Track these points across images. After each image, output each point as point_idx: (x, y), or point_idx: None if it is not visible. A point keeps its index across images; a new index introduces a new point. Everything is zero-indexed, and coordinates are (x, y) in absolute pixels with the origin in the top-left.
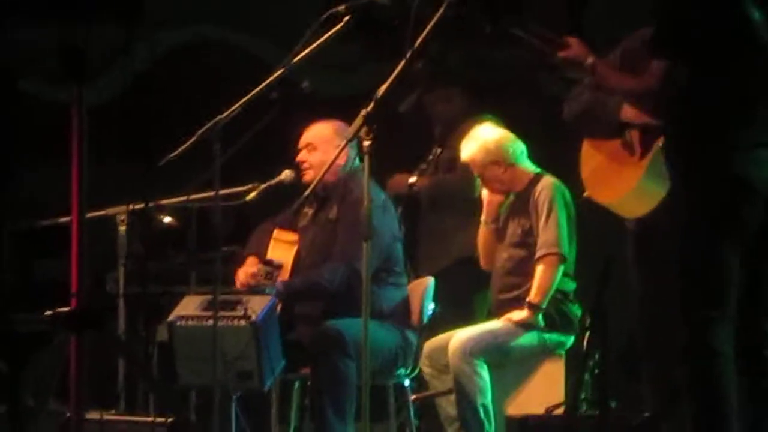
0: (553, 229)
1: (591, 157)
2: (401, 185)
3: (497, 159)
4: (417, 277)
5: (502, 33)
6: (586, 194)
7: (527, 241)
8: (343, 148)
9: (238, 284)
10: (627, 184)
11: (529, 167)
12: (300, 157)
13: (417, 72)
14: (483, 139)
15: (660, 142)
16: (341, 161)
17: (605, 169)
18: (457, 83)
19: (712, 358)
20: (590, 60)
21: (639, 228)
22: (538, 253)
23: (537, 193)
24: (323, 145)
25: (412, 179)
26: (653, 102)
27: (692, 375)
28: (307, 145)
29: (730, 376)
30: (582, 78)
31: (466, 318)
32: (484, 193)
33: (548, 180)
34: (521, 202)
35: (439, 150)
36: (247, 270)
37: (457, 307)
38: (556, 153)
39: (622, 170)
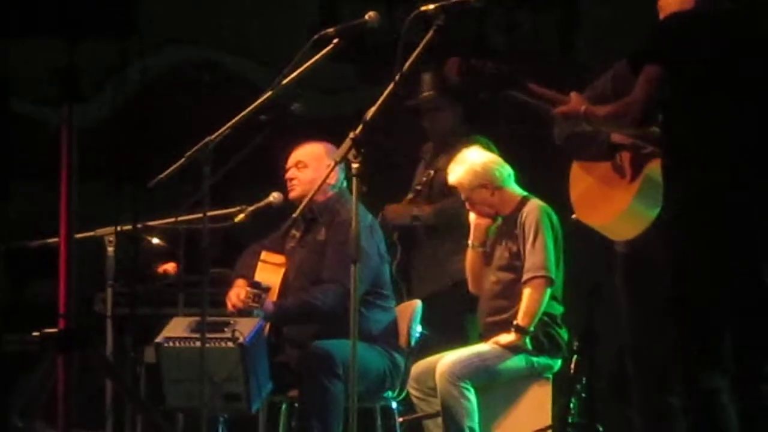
0: (540, 252)
1: (580, 179)
2: (403, 217)
3: (485, 182)
4: (410, 299)
5: (502, 99)
6: (574, 216)
7: (515, 265)
8: (333, 168)
9: (229, 306)
10: (617, 206)
11: (517, 190)
12: (289, 174)
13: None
14: (470, 162)
15: (651, 165)
16: (332, 180)
17: (595, 191)
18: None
19: (711, 397)
20: (582, 108)
21: (629, 251)
22: (525, 276)
23: (524, 216)
24: (314, 163)
25: (417, 212)
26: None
27: (693, 415)
28: (297, 163)
29: (728, 409)
30: (578, 128)
31: (461, 341)
32: (472, 216)
33: (535, 203)
34: (508, 226)
35: (431, 172)
36: (236, 292)
37: (452, 330)
38: (543, 177)
39: (612, 193)
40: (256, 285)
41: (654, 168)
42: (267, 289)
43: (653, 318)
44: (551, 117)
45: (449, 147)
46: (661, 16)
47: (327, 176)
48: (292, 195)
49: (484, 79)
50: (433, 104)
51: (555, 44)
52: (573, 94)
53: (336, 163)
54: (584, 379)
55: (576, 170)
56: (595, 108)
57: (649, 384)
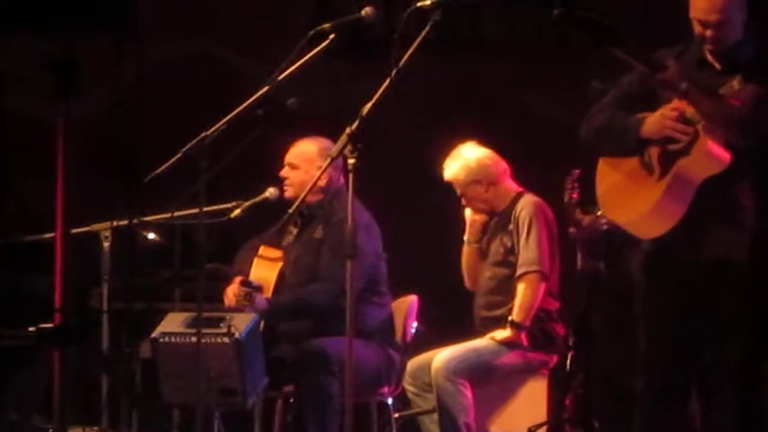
0: (533, 247)
1: (607, 175)
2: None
3: (479, 178)
4: None
5: (604, 54)
6: (600, 213)
7: (509, 260)
8: (327, 167)
9: (226, 302)
10: (644, 204)
11: (512, 186)
12: (282, 173)
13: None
14: (465, 157)
15: (680, 162)
16: (322, 183)
17: (622, 188)
18: None
19: None
20: (684, 85)
21: (654, 248)
22: (519, 271)
23: (518, 211)
24: (304, 165)
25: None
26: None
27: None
28: (289, 164)
29: None
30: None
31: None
32: (467, 212)
33: (529, 198)
34: (503, 221)
35: None
36: (231, 289)
37: None
38: (539, 172)
39: (640, 190)
40: (246, 283)
41: (683, 165)
42: (258, 288)
43: (674, 317)
44: (651, 81)
45: None
46: (691, 13)
47: (316, 180)
48: (286, 195)
49: (590, 30)
50: None
51: (552, 39)
52: (671, 62)
53: (332, 159)
54: (580, 374)
55: (602, 167)
56: (698, 92)
57: (658, 382)
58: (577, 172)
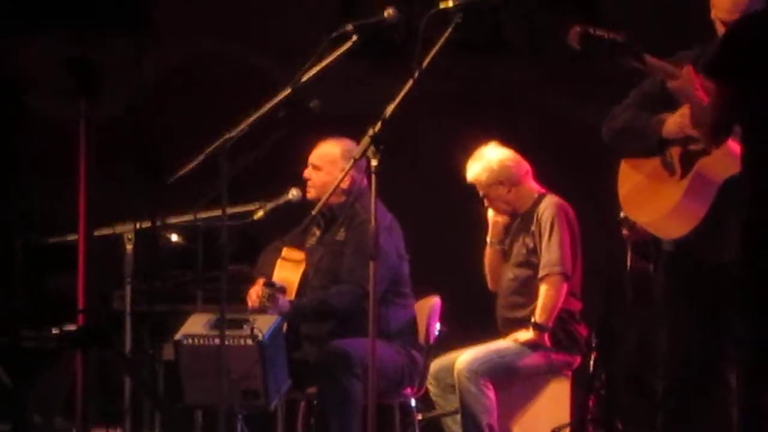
0: (555, 248)
1: (629, 176)
2: None
3: (501, 179)
4: None
5: (618, 65)
6: (622, 214)
7: (531, 261)
8: (349, 169)
9: (249, 304)
10: (666, 203)
11: (534, 187)
12: (305, 173)
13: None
14: (487, 159)
15: (702, 162)
16: (345, 185)
17: (644, 188)
18: None
19: None
20: (693, 90)
21: (676, 249)
22: (541, 273)
23: (540, 213)
24: (327, 167)
25: None
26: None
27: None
28: (312, 165)
29: None
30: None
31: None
32: (490, 213)
33: (552, 199)
34: (525, 222)
35: None
36: (255, 290)
37: None
38: (561, 173)
39: (661, 190)
40: (270, 285)
41: (704, 165)
42: (281, 289)
43: (695, 317)
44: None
45: None
46: (713, 13)
47: (339, 182)
48: (308, 196)
49: (603, 45)
50: None
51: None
52: (686, 69)
53: (355, 161)
54: (603, 375)
55: (624, 168)
56: (701, 97)
57: (680, 382)
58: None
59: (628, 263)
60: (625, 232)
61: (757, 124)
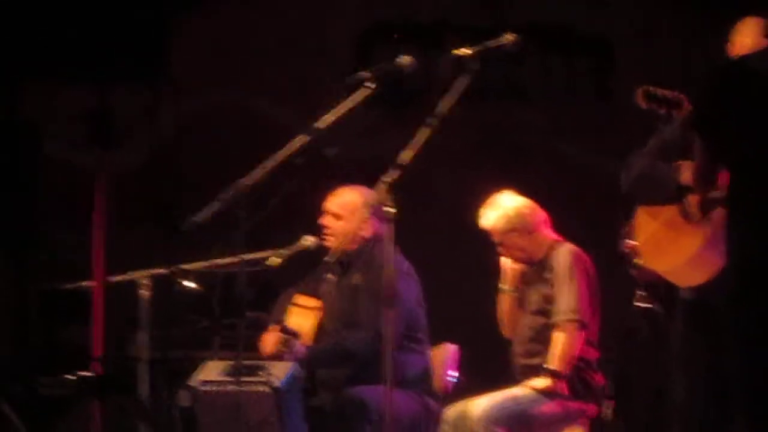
0: (572, 296)
1: (646, 224)
2: None
3: (517, 226)
4: None
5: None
6: (640, 262)
7: (547, 309)
8: (365, 218)
9: (262, 351)
10: (685, 251)
11: (549, 235)
12: (324, 221)
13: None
14: (503, 206)
15: (720, 209)
16: (367, 234)
17: (661, 236)
18: None
19: None
20: None
21: (696, 296)
22: (556, 319)
23: (556, 260)
24: (349, 216)
25: None
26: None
27: None
28: (333, 214)
29: None
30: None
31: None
32: (503, 260)
33: (568, 247)
34: (540, 270)
35: None
36: (268, 338)
37: None
38: (577, 222)
39: (679, 238)
40: (285, 330)
41: (723, 213)
42: (296, 334)
43: (713, 367)
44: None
45: None
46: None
47: (357, 227)
48: (327, 244)
49: (661, 103)
50: None
51: (590, 89)
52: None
53: (371, 208)
54: (620, 424)
55: (641, 215)
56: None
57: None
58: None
59: (635, 303)
60: (633, 272)
61: (735, 173)
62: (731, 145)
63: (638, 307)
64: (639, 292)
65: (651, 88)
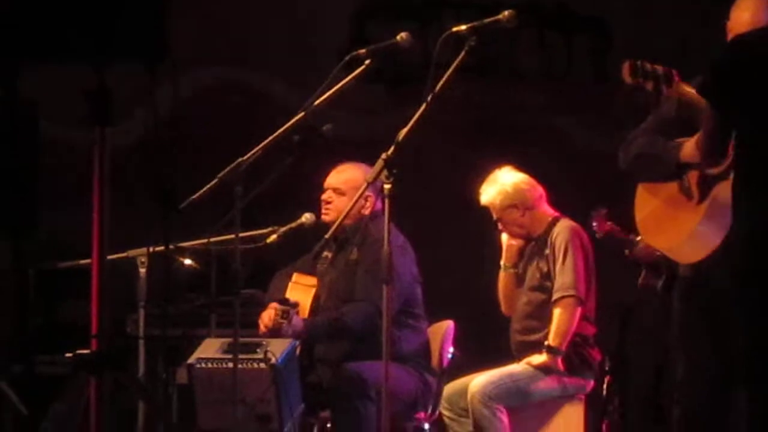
0: (569, 272)
1: (646, 201)
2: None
3: (516, 202)
4: None
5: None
6: (639, 239)
7: (545, 285)
8: (362, 193)
9: (261, 328)
10: (684, 228)
11: (548, 211)
12: (325, 197)
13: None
14: (502, 182)
15: (719, 187)
16: (367, 211)
17: (661, 213)
18: None
19: None
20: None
21: (692, 274)
22: (555, 296)
23: (554, 236)
24: (352, 192)
25: None
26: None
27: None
28: (335, 189)
29: None
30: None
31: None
32: (503, 237)
33: (566, 223)
34: (539, 246)
35: None
36: (267, 313)
37: None
38: (574, 198)
39: (679, 215)
40: (283, 301)
41: (722, 190)
42: (295, 305)
43: (711, 344)
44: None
45: None
46: (730, 37)
47: (355, 202)
48: (326, 219)
49: (648, 78)
50: None
51: (588, 68)
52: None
53: (368, 184)
54: (617, 399)
55: (641, 193)
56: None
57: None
58: (603, 211)
59: (640, 281)
60: (627, 252)
61: (743, 147)
62: (743, 115)
63: (642, 285)
64: (643, 272)
65: (638, 62)
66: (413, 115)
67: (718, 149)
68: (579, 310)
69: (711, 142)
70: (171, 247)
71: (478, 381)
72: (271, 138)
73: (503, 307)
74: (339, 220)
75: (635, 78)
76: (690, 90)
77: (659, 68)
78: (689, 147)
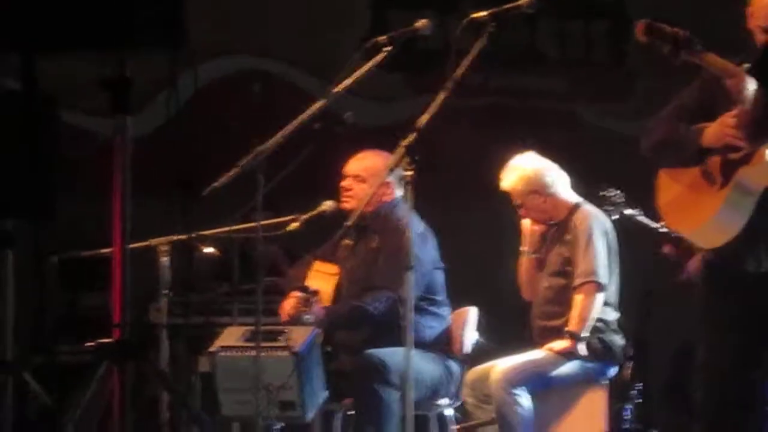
0: (591, 258)
1: (668, 187)
2: None
3: (537, 188)
4: None
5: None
6: (662, 224)
7: (567, 270)
8: (383, 180)
9: (282, 316)
10: (706, 213)
11: (570, 197)
12: (346, 184)
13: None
14: (523, 168)
15: (741, 171)
16: (388, 198)
17: (683, 198)
18: None
19: None
20: (744, 93)
21: (716, 258)
22: (576, 282)
23: (576, 222)
24: (372, 180)
25: None
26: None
27: None
28: (356, 176)
29: None
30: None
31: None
32: (524, 222)
33: (587, 209)
34: (561, 231)
35: None
36: (288, 302)
37: None
38: (596, 184)
39: (701, 199)
40: (304, 289)
41: (744, 174)
42: (315, 293)
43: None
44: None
45: None
46: (751, 23)
47: (375, 190)
48: (347, 206)
49: (666, 39)
50: None
51: (605, 52)
52: (742, 68)
53: (389, 171)
54: (639, 384)
55: (663, 178)
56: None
57: (718, 394)
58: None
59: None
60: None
61: None
62: None
63: (662, 254)
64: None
65: (656, 23)
66: (432, 102)
67: (763, 130)
68: (600, 296)
69: (758, 123)
70: (193, 235)
71: (500, 367)
72: (291, 126)
73: (524, 293)
74: (360, 207)
75: (650, 37)
76: (718, 59)
77: (680, 31)
78: (712, 132)
